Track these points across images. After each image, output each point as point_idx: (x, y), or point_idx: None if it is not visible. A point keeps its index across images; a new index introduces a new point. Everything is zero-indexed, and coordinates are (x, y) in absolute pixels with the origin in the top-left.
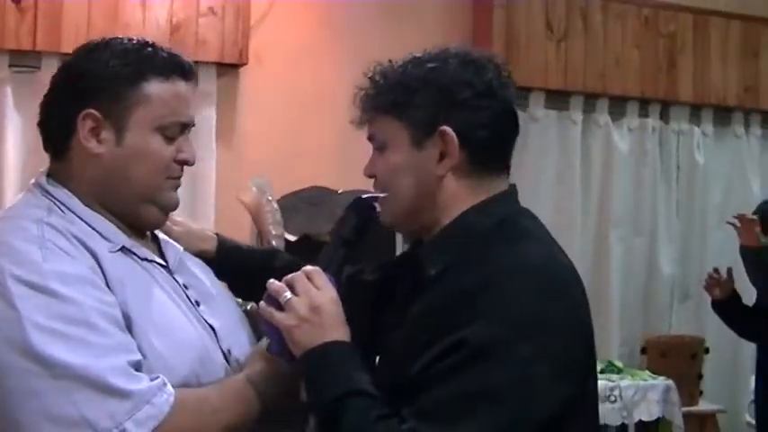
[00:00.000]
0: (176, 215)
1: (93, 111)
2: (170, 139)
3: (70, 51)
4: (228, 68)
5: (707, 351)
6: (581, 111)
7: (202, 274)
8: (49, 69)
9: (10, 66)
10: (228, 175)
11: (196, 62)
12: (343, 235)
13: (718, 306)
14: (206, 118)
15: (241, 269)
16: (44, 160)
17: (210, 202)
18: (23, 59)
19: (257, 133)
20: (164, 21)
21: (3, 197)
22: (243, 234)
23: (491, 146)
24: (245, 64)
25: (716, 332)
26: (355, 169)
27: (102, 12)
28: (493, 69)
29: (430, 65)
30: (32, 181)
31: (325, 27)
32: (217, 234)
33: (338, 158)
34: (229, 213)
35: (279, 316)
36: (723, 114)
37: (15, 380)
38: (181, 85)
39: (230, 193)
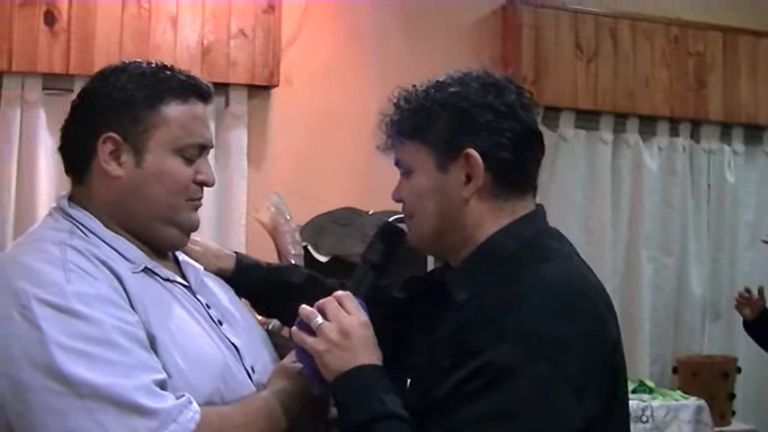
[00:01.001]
0: (203, 235)
1: (112, 134)
2: (189, 161)
3: None
4: (259, 90)
5: (739, 370)
6: (611, 130)
7: (223, 293)
8: None
9: (43, 89)
10: (260, 196)
11: (227, 84)
12: (372, 260)
13: (749, 326)
14: (237, 139)
15: (261, 286)
16: None
17: (241, 222)
18: (56, 82)
19: (288, 154)
20: (195, 43)
21: (36, 217)
22: (274, 255)
23: (515, 167)
24: (276, 86)
25: (748, 351)
26: (385, 190)
27: (133, 35)
28: (514, 91)
29: (451, 89)
30: (54, 205)
31: (355, 48)
32: (236, 252)
33: (368, 179)
34: (261, 234)
35: (310, 341)
36: (753, 132)
37: (40, 400)
38: (198, 107)
39: (254, 217)
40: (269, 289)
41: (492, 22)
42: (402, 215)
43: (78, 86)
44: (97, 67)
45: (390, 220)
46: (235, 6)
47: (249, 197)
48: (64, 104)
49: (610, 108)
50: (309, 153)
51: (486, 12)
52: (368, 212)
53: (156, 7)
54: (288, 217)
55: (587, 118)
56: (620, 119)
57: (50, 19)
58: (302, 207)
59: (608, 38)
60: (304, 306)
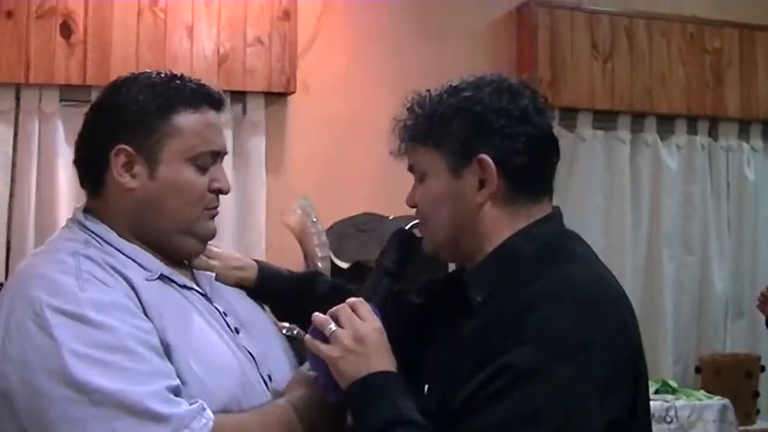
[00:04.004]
0: (223, 242)
1: (124, 146)
2: (203, 169)
3: None
4: (276, 97)
5: (763, 369)
6: (629, 130)
7: (239, 299)
8: None
9: (60, 100)
10: (279, 203)
11: (244, 92)
12: (386, 266)
13: None
14: (255, 146)
15: (284, 295)
16: None
17: (261, 229)
18: (73, 94)
19: (306, 160)
20: (211, 52)
21: (56, 228)
22: (294, 260)
23: (529, 172)
24: (293, 92)
25: None
26: (404, 195)
27: (149, 44)
28: (529, 95)
29: (465, 93)
30: (70, 216)
31: (371, 53)
32: (256, 261)
33: (387, 184)
34: (280, 240)
35: (324, 348)
36: None
37: (55, 408)
38: (210, 115)
39: (280, 222)
40: (292, 298)
41: (507, 23)
42: (416, 221)
43: (95, 97)
44: (114, 78)
45: (412, 224)
46: (250, 14)
47: (268, 204)
48: (81, 116)
49: (627, 108)
50: (328, 159)
51: (501, 13)
52: (388, 217)
53: (171, 16)
54: (314, 219)
55: (605, 118)
56: (638, 118)
57: (67, 30)
58: (322, 213)
59: (624, 37)
60: (317, 314)
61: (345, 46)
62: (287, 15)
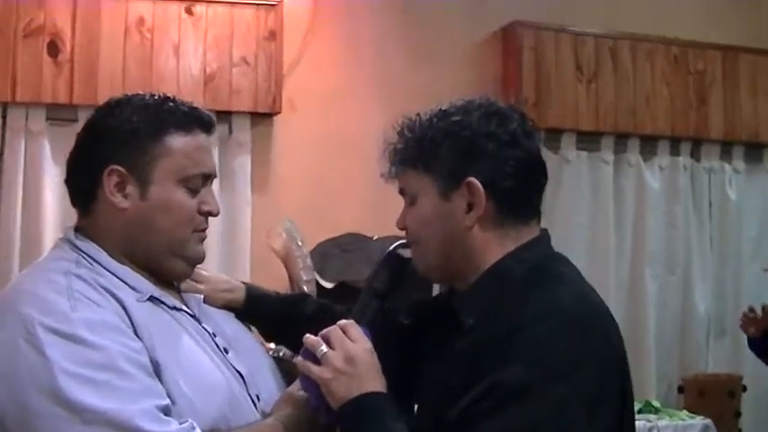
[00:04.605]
0: (209, 263)
1: (117, 167)
2: (193, 191)
3: None
4: (262, 117)
5: (744, 389)
6: (612, 151)
7: (226, 320)
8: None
9: (47, 119)
10: (264, 223)
11: (230, 112)
12: (377, 288)
13: (753, 343)
14: (241, 166)
15: (272, 317)
16: None
17: (246, 249)
18: (60, 113)
19: (292, 181)
20: (197, 71)
21: (42, 248)
22: (279, 281)
23: (518, 195)
24: (279, 112)
25: (753, 369)
26: (389, 215)
27: (136, 64)
28: (517, 119)
29: (454, 117)
30: (61, 236)
31: (356, 73)
32: (244, 283)
33: (372, 204)
34: (265, 261)
35: (316, 369)
36: (754, 150)
37: (46, 426)
38: (201, 138)
39: (267, 243)
40: (280, 320)
41: (493, 44)
42: (405, 240)
43: (83, 116)
44: (101, 97)
45: (394, 245)
46: (237, 34)
47: (253, 224)
48: (68, 135)
49: (611, 128)
50: (313, 179)
51: (487, 34)
52: (372, 238)
53: (158, 36)
54: (300, 243)
55: (589, 139)
56: (621, 139)
57: (54, 49)
58: (307, 233)
59: (608, 59)
60: (308, 335)
61: (331, 66)
62: (273, 35)
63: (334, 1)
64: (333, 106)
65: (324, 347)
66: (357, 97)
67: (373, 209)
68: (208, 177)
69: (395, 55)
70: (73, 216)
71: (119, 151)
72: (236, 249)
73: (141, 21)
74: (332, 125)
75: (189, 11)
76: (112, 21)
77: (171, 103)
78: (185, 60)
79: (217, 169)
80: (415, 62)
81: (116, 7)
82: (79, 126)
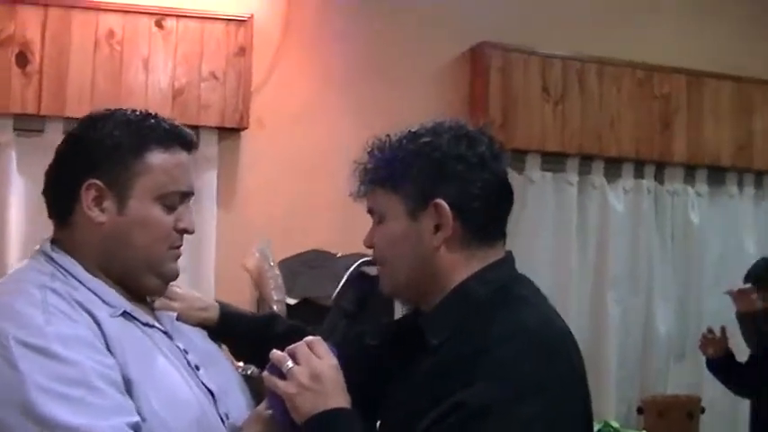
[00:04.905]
0: (178, 282)
1: (96, 181)
2: (170, 209)
3: (74, 115)
4: (230, 132)
5: (703, 410)
6: (577, 172)
7: (198, 338)
8: (53, 133)
9: (14, 129)
10: (229, 239)
11: (198, 126)
12: (345, 306)
13: (712, 365)
14: (207, 182)
15: (244, 336)
16: (48, 223)
17: (211, 265)
18: (28, 123)
19: (258, 197)
20: (166, 85)
21: (6, 259)
22: (243, 298)
23: (484, 217)
24: (246, 128)
25: (712, 390)
26: (354, 232)
27: (105, 77)
28: (486, 142)
29: (424, 139)
30: (37, 247)
31: (325, 91)
32: (218, 301)
33: (337, 222)
34: (230, 277)
35: (281, 384)
36: (717, 174)
37: None
38: (182, 156)
39: (231, 257)
40: (252, 339)
41: (461, 64)
42: (370, 258)
43: (50, 128)
44: (70, 109)
45: (358, 263)
46: (206, 49)
47: (218, 239)
48: (35, 146)
49: (576, 150)
50: (279, 195)
51: (455, 54)
52: (337, 255)
53: (128, 49)
54: (272, 263)
55: (554, 160)
56: (586, 161)
57: (23, 60)
58: (272, 250)
59: (575, 81)
60: (275, 351)
61: (300, 84)
62: (242, 51)
63: (304, 19)
64: (301, 123)
65: (290, 363)
66: (325, 115)
67: (339, 226)
68: (186, 195)
69: (363, 76)
70: (38, 227)
71: (98, 165)
72: (201, 265)
73: (111, 33)
74: (299, 142)
75: (159, 24)
76: (82, 33)
77: (152, 120)
78: (154, 74)
79: (194, 187)
80: (384, 81)
81: (86, 19)
82: (47, 137)
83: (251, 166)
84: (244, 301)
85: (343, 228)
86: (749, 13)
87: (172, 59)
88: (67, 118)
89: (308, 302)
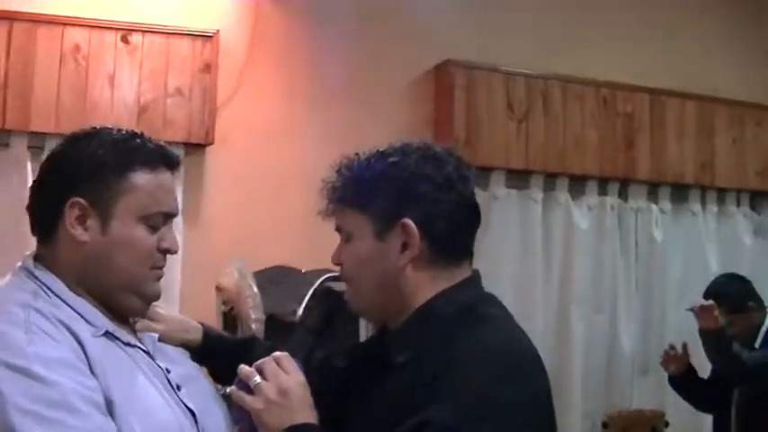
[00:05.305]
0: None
1: (79, 199)
2: (153, 229)
3: (39, 130)
4: (195, 148)
5: (667, 425)
6: (541, 189)
7: (180, 357)
8: (18, 147)
9: None
10: (194, 255)
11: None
12: (312, 323)
13: (674, 381)
14: None
15: (225, 358)
16: (13, 237)
17: (176, 279)
18: None
19: (223, 212)
20: (131, 101)
21: None
22: (208, 315)
23: (451, 237)
24: (212, 144)
25: (676, 405)
26: (319, 248)
27: (70, 92)
28: (453, 163)
29: (392, 159)
30: (19, 264)
31: (291, 107)
32: (201, 323)
33: (302, 238)
34: (195, 293)
35: (249, 399)
36: (680, 192)
37: None
38: (166, 177)
39: (196, 273)
40: (232, 361)
41: (426, 82)
42: (335, 274)
43: (15, 142)
44: (34, 123)
45: (323, 278)
46: (172, 65)
47: (184, 255)
48: (0, 159)
49: (540, 168)
50: (244, 211)
51: (420, 72)
52: (302, 271)
53: (93, 64)
54: (251, 282)
55: (518, 177)
56: (551, 178)
57: None
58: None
59: (539, 99)
60: (243, 366)
61: (266, 100)
62: (208, 67)
63: (270, 35)
64: (265, 140)
65: (257, 378)
66: (291, 131)
67: (304, 242)
68: (169, 216)
69: (329, 91)
70: (5, 240)
71: (82, 184)
72: (166, 280)
73: (77, 48)
74: (265, 158)
75: (125, 39)
76: (48, 47)
77: (138, 140)
78: (120, 89)
79: (179, 208)
80: (349, 100)
81: (52, 33)
82: (11, 152)
83: (216, 182)
84: (209, 319)
85: (308, 243)
86: (712, 32)
87: (137, 75)
88: (32, 132)
89: (273, 318)
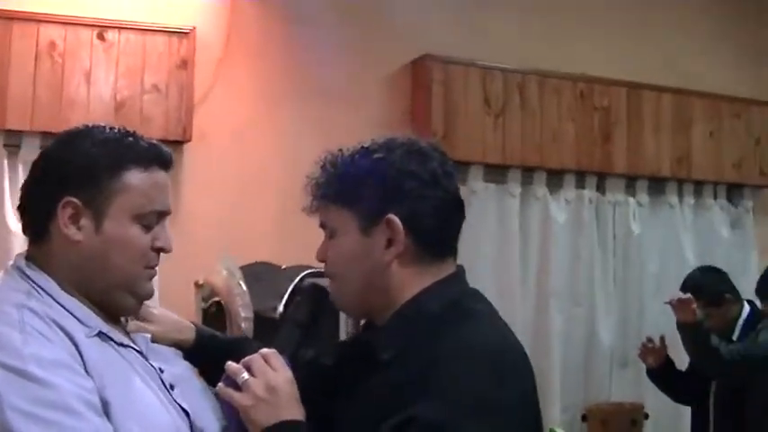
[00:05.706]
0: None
1: (72, 198)
2: (147, 228)
3: (14, 128)
4: (172, 145)
5: (646, 416)
6: (519, 183)
7: (173, 356)
8: None
9: None
10: (173, 252)
11: None
12: (299, 319)
13: (652, 373)
14: None
15: (216, 358)
16: None
17: (155, 277)
18: None
19: (201, 209)
20: (108, 98)
21: None
22: (186, 312)
23: (436, 233)
24: (189, 141)
25: (654, 398)
26: (298, 244)
27: (46, 89)
28: (438, 158)
29: (377, 155)
30: (11, 263)
31: (268, 104)
32: (194, 323)
33: (282, 234)
34: (173, 291)
35: (236, 396)
36: (657, 185)
37: None
38: (159, 175)
39: (175, 270)
40: (223, 361)
41: (403, 77)
42: (315, 270)
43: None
44: (10, 121)
45: (303, 274)
46: (148, 61)
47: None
48: None
49: (518, 162)
50: (223, 208)
51: (396, 67)
52: (281, 267)
53: (69, 61)
54: (240, 281)
55: (496, 172)
56: (528, 172)
57: None
58: (213, 262)
59: (516, 93)
60: (230, 363)
61: (243, 97)
62: (185, 64)
63: (247, 31)
64: (242, 137)
65: (245, 375)
66: (268, 127)
67: (283, 239)
68: (162, 214)
69: (306, 86)
70: None
71: (75, 183)
72: None
73: (53, 45)
74: (241, 156)
75: (101, 36)
76: (23, 44)
77: (131, 138)
78: (96, 86)
79: (170, 206)
80: (327, 96)
81: (27, 30)
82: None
83: (194, 179)
84: (188, 316)
85: (287, 239)
86: (688, 26)
87: (114, 72)
88: (8, 130)
89: (255, 315)
